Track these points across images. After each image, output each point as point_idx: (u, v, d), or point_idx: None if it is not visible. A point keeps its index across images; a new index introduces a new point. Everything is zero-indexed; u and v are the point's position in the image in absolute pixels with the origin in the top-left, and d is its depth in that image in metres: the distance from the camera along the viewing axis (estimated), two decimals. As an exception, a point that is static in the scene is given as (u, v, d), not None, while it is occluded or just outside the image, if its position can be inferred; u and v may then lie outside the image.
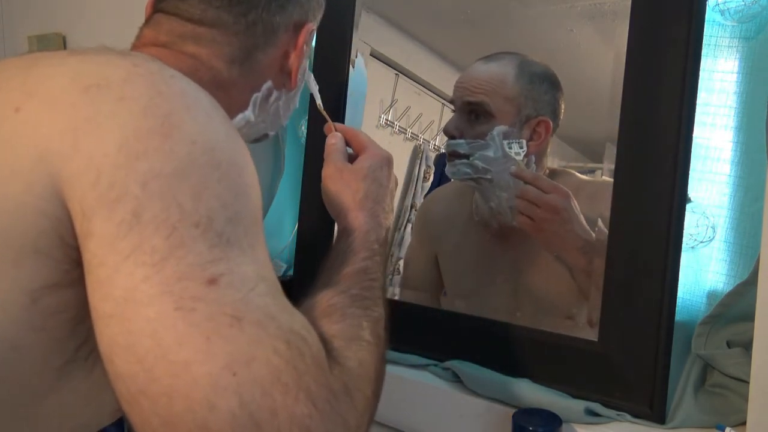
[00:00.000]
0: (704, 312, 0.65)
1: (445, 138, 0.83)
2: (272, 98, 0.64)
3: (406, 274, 0.93)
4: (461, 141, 0.78)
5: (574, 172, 0.78)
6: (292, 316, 0.40)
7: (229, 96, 0.58)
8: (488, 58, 0.80)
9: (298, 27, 0.63)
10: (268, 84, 0.62)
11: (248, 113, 0.61)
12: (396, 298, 0.94)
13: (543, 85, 0.77)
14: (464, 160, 0.78)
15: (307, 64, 0.68)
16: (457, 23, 0.87)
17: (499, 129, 0.77)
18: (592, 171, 0.77)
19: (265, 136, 0.69)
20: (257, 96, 0.62)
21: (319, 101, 0.72)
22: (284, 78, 0.64)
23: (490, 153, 0.77)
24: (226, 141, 0.42)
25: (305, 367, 0.37)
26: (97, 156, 0.37)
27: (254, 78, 0.61)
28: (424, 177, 0.95)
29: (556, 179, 0.77)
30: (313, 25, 0.65)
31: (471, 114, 0.79)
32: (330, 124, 0.69)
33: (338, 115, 0.89)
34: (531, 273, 0.80)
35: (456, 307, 0.87)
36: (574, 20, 0.76)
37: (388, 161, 0.64)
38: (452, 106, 0.82)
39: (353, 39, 0.87)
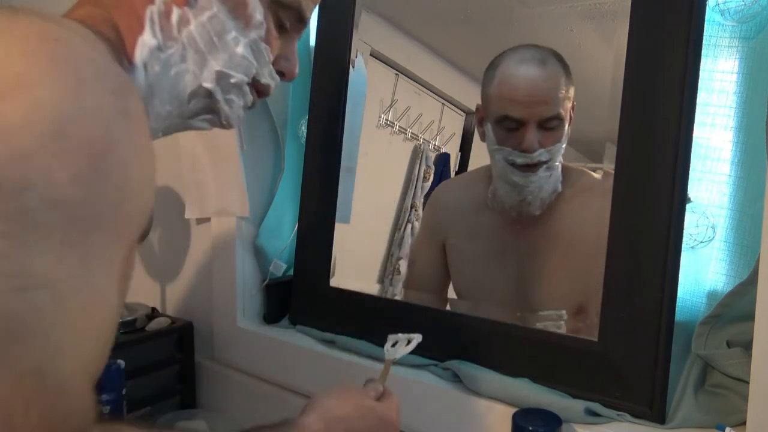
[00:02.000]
0: (704, 312, 0.65)
1: (445, 138, 0.83)
2: (174, 17, 0.51)
3: (412, 272, 0.93)
4: (542, 150, 0.78)
5: (586, 169, 0.78)
6: (62, 360, 0.31)
7: (129, 12, 0.50)
8: (535, 61, 0.79)
9: None
10: None
11: (147, 37, 0.50)
12: (397, 298, 0.94)
13: (570, 73, 0.79)
14: (545, 166, 0.79)
15: None
16: (457, 23, 0.87)
17: (568, 128, 0.78)
18: (592, 171, 0.77)
19: (209, 98, 0.54)
20: (153, 9, 0.50)
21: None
22: None
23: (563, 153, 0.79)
24: (98, 117, 0.36)
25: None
26: None
27: None
28: (424, 177, 0.95)
29: (569, 175, 0.79)
30: None
31: (547, 124, 0.78)
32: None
33: (338, 115, 0.89)
34: (543, 261, 0.81)
35: (462, 299, 0.87)
36: (574, 20, 0.76)
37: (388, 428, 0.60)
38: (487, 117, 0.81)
39: (353, 39, 0.87)
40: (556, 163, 0.78)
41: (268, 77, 0.57)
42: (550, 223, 0.79)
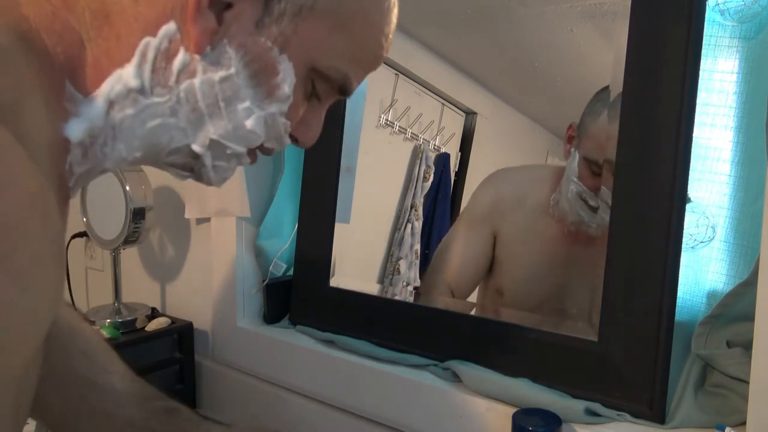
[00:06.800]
0: (704, 312, 0.65)
1: (445, 138, 0.82)
2: (177, 62, 0.41)
3: (444, 259, 0.91)
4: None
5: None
6: None
7: (116, 34, 0.40)
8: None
9: None
10: (170, 28, 0.40)
11: (129, 70, 0.40)
12: (397, 298, 0.94)
13: None
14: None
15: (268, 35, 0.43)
16: (457, 23, 0.87)
17: None
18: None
19: (194, 158, 0.45)
20: (149, 43, 0.40)
21: None
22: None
23: None
24: None
25: None
26: None
27: (149, 4, 0.40)
28: (424, 177, 0.95)
29: None
30: None
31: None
32: None
33: (338, 115, 0.89)
34: (591, 276, 0.80)
35: (503, 297, 0.86)
36: (574, 20, 0.76)
37: None
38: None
39: (353, 39, 0.87)
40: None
41: (275, 142, 0.47)
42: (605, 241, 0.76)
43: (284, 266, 0.96)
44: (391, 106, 0.93)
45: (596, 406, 0.63)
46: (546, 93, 0.83)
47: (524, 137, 0.87)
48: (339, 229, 0.90)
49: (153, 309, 1.00)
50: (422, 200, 0.95)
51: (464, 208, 0.92)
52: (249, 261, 0.95)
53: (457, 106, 0.93)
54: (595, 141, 0.77)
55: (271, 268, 0.95)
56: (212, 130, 0.44)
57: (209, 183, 0.48)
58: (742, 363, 0.60)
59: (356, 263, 0.96)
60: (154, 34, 0.40)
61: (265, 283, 0.94)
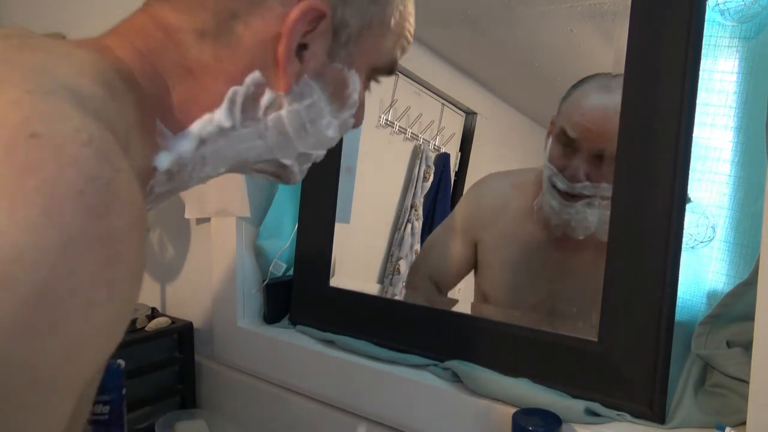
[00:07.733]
0: (704, 312, 0.65)
1: (445, 138, 0.82)
2: (264, 100, 0.46)
3: (426, 259, 0.92)
4: (587, 183, 0.75)
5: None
6: None
7: (201, 85, 0.44)
8: (616, 93, 0.69)
9: None
10: (255, 76, 0.45)
11: (219, 114, 0.44)
12: (397, 298, 0.94)
13: None
14: (587, 200, 0.75)
15: (348, 74, 0.49)
16: (457, 23, 0.87)
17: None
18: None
19: (282, 167, 0.51)
20: (237, 90, 0.45)
21: None
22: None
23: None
24: (56, 251, 0.27)
25: None
26: None
27: (233, 62, 0.44)
28: (424, 177, 0.95)
29: None
30: (320, 2, 0.44)
31: (598, 157, 0.73)
32: None
33: (338, 115, 0.89)
34: (581, 282, 0.78)
35: (488, 301, 0.86)
36: (574, 20, 0.76)
37: None
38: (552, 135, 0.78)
39: (353, 39, 0.87)
40: (604, 202, 0.73)
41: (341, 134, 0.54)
42: (594, 247, 0.74)
43: (284, 266, 0.96)
44: (391, 106, 0.93)
45: (596, 406, 0.63)
46: (546, 93, 0.83)
47: (524, 137, 0.87)
48: (339, 229, 0.91)
49: (153, 309, 1.00)
50: (422, 200, 0.95)
51: (451, 213, 0.93)
52: (249, 261, 0.95)
53: (457, 106, 0.93)
54: (563, 115, 0.77)
55: (271, 268, 0.95)
56: (300, 147, 0.49)
57: (294, 183, 0.54)
58: (742, 363, 0.60)
59: (356, 263, 0.96)
60: (240, 83, 0.45)
61: (265, 283, 0.94)
